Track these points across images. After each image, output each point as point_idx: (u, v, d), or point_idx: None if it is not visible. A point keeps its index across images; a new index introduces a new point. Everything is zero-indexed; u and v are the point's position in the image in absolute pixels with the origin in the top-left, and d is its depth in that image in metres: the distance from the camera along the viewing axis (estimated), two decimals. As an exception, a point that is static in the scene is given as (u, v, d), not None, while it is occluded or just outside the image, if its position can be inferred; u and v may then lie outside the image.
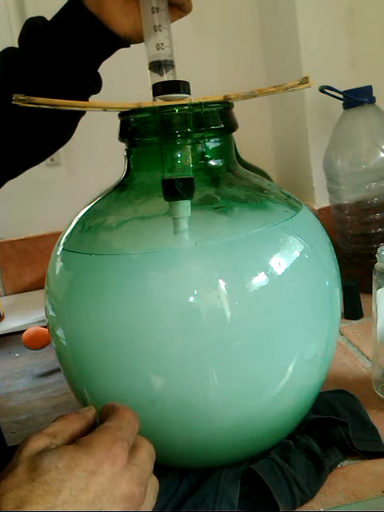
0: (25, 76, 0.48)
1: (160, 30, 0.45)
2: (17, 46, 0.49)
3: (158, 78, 0.44)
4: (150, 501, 0.30)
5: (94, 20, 0.47)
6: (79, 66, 0.49)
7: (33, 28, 0.48)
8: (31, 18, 0.49)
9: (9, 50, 0.50)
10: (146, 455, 0.31)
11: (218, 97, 0.41)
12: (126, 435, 0.30)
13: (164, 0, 0.46)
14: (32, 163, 0.55)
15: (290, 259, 0.39)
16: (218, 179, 0.43)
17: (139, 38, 0.48)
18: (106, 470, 0.27)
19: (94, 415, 0.33)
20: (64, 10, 0.49)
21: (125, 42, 0.49)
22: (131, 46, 0.50)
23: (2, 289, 1.04)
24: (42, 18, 0.49)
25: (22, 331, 0.75)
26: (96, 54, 0.50)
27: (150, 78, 0.45)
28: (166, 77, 0.44)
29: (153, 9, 0.45)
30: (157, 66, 0.45)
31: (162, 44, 0.45)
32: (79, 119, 0.54)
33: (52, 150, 0.56)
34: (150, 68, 0.45)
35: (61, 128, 0.53)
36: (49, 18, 0.49)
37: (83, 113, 0.52)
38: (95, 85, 0.52)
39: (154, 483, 0.31)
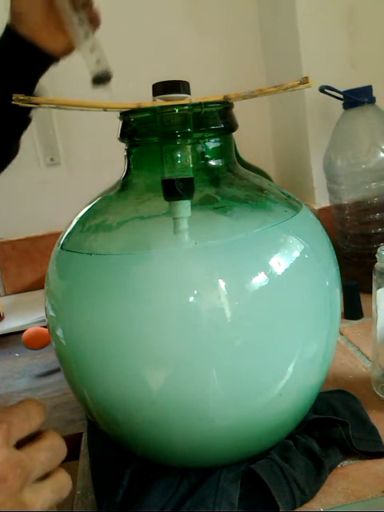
0: None
1: (93, 51, 0.55)
2: None
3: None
4: (45, 496, 0.28)
5: (28, 44, 0.57)
6: (18, 88, 0.56)
7: None
8: None
9: None
10: (45, 444, 0.29)
11: (218, 97, 0.41)
12: (10, 418, 0.28)
13: (84, 12, 0.56)
14: None
15: (290, 259, 0.39)
16: (218, 179, 0.43)
17: (69, 52, 0.60)
18: None
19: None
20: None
21: (57, 59, 0.60)
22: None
23: (2, 289, 1.04)
24: None
25: (22, 331, 0.75)
26: (33, 74, 0.59)
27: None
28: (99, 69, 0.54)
29: (79, 21, 0.56)
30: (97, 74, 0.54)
31: (94, 45, 0.55)
32: (22, 134, 0.63)
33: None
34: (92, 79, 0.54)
35: (5, 144, 0.61)
36: None
37: (24, 129, 0.63)
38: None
39: (59, 480, 0.29)
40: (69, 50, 0.60)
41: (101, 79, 0.54)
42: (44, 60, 0.59)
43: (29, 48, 0.57)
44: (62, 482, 0.30)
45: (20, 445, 0.28)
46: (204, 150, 0.42)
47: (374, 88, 0.76)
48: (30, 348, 0.73)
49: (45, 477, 0.29)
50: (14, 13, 0.59)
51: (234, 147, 0.46)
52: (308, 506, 0.39)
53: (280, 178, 1.05)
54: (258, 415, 0.40)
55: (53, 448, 0.30)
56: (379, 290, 0.50)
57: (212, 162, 0.43)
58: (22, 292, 1.04)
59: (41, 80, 0.61)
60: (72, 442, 0.53)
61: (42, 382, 0.67)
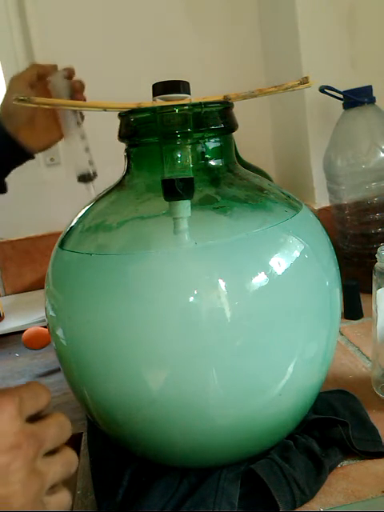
0: None
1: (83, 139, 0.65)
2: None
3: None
4: (55, 468, 0.29)
5: (12, 140, 0.64)
6: None
7: None
8: None
9: None
10: (52, 420, 0.31)
11: (218, 97, 0.41)
12: (21, 393, 0.29)
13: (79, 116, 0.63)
14: None
15: (289, 259, 0.39)
16: (218, 179, 0.43)
17: (45, 149, 0.68)
18: None
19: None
20: None
21: (32, 155, 0.67)
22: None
23: (2, 289, 1.04)
24: None
25: (22, 331, 0.75)
26: (8, 166, 0.68)
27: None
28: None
29: (81, 137, 0.64)
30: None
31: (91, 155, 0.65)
32: (10, 171, 0.68)
33: None
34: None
35: None
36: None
37: (13, 167, 0.68)
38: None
39: (67, 455, 0.31)
40: (45, 148, 0.68)
41: (89, 177, 0.63)
42: (22, 156, 0.67)
43: (11, 143, 0.64)
44: (70, 458, 0.32)
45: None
46: (204, 149, 0.42)
47: (373, 88, 0.76)
48: (29, 348, 0.73)
49: (52, 453, 0.30)
50: (5, 110, 0.64)
51: (233, 147, 0.46)
52: (308, 506, 0.39)
53: (280, 178, 1.05)
54: (257, 415, 0.40)
55: (60, 424, 0.31)
56: (379, 290, 0.50)
57: (212, 162, 0.43)
58: (22, 292, 1.04)
59: None
60: (72, 442, 0.53)
61: (42, 382, 0.67)
